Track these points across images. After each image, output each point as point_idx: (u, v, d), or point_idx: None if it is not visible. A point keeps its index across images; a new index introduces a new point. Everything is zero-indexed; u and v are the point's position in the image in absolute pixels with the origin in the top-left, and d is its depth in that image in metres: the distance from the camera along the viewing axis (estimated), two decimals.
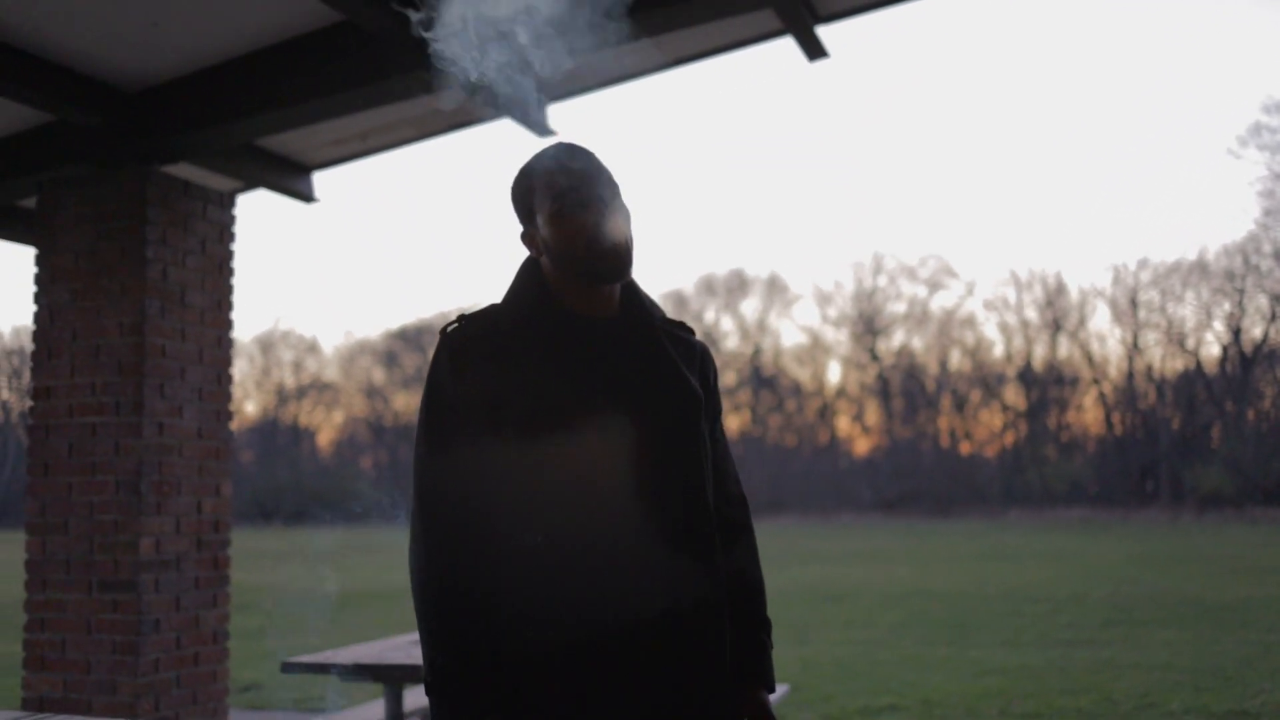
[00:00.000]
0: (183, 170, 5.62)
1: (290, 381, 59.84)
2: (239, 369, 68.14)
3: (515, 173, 2.15)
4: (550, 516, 1.92)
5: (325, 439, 60.84)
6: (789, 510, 50.25)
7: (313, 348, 62.43)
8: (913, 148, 71.58)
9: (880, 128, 72.46)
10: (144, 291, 5.13)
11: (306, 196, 6.37)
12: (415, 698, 4.53)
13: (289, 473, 55.35)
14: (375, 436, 58.65)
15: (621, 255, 2.03)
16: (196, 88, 5.15)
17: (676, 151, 76.11)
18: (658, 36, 5.04)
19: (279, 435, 58.99)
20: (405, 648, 4.40)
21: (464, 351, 1.98)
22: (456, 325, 2.03)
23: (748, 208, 73.57)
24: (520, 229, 2.13)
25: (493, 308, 2.08)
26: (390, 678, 4.06)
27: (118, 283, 5.17)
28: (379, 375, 59.21)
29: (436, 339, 2.04)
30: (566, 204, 2.02)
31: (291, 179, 6.26)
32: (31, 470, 5.26)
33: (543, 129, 5.96)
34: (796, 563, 24.01)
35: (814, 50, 5.55)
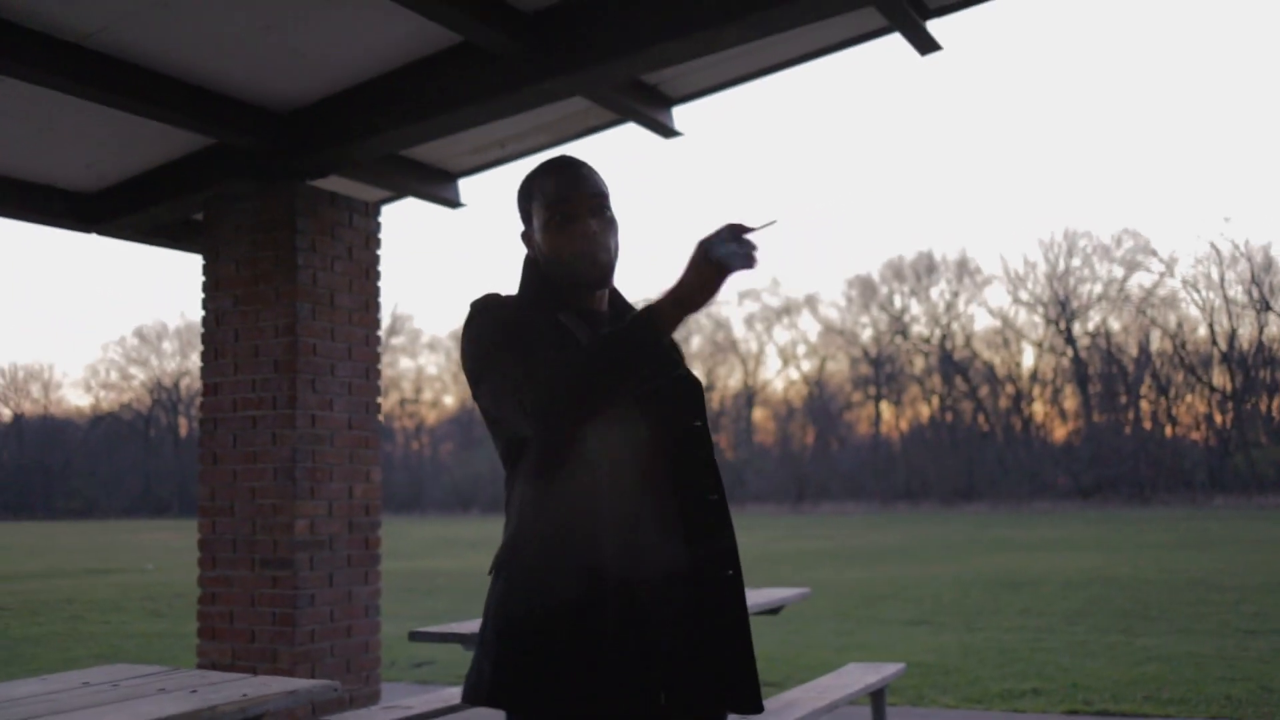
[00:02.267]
0: (332, 183, 6.10)
1: None
2: (434, 363, 70.46)
3: (520, 184, 2.38)
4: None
5: None
6: (981, 498, 49.40)
7: None
8: (1103, 119, 69.09)
9: (1068, 101, 70.17)
10: (296, 295, 5.63)
11: (452, 202, 6.79)
12: None
13: (487, 463, 57.12)
14: None
15: (601, 267, 2.25)
16: (339, 107, 5.60)
17: (856, 136, 75.29)
18: (768, 38, 5.22)
19: (475, 426, 60.87)
20: None
21: (504, 307, 2.22)
22: (487, 297, 2.27)
23: (935, 190, 72.27)
24: (522, 229, 2.37)
25: (509, 297, 2.30)
26: None
27: (273, 288, 5.69)
28: None
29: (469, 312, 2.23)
30: (555, 216, 2.25)
31: (438, 186, 6.68)
32: (202, 459, 5.84)
33: (669, 131, 6.23)
34: (982, 551, 23.73)
35: (925, 44, 5.64)
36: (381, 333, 6.22)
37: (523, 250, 2.39)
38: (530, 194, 2.33)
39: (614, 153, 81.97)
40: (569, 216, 2.25)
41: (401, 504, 54.85)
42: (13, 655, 10.93)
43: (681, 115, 6.21)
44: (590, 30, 4.93)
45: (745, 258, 1.95)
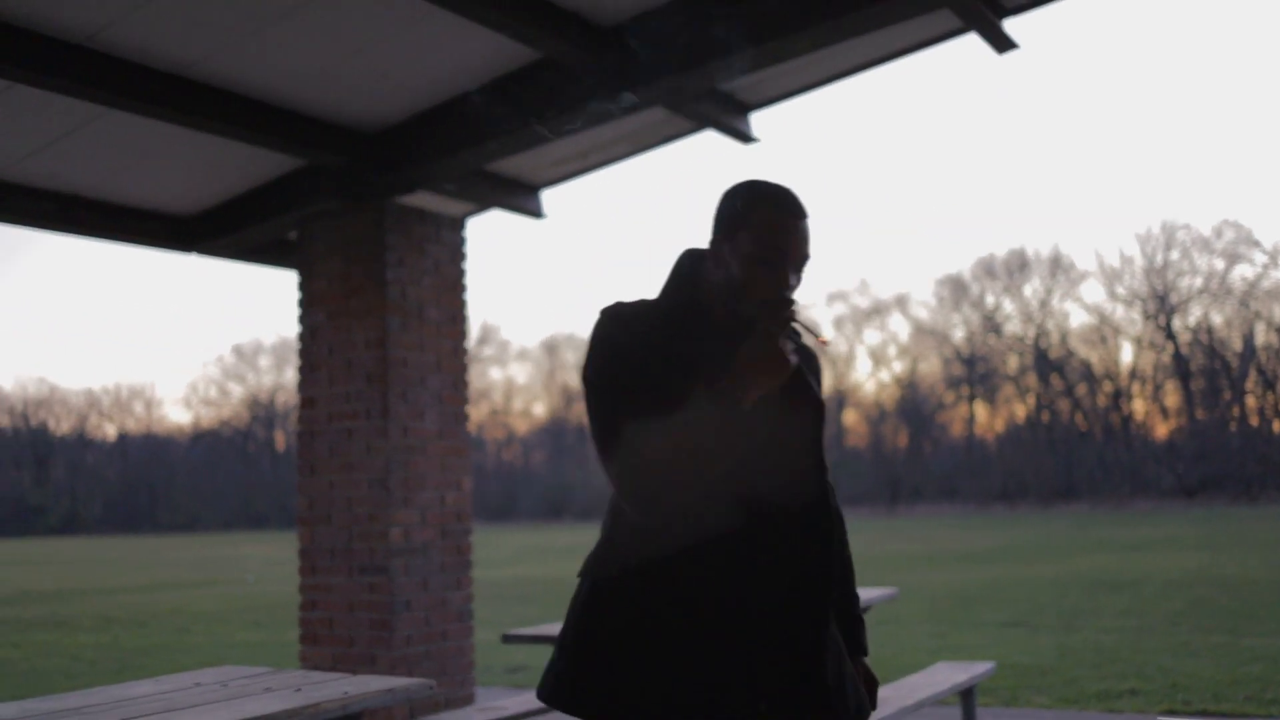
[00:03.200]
0: (420, 199, 6.26)
1: (575, 383, 62.10)
2: (525, 373, 71.07)
3: (735, 185, 2.26)
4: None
5: None
6: (1080, 498, 48.59)
7: None
8: (1198, 109, 67.59)
9: (1160, 92, 68.77)
10: (385, 310, 5.80)
11: (535, 213, 6.92)
12: None
13: (577, 471, 57.52)
14: None
15: (777, 315, 2.12)
16: (424, 126, 5.76)
17: (942, 136, 74.53)
18: (843, 43, 5.27)
19: (566, 435, 61.34)
20: None
21: (630, 324, 2.16)
22: (617, 305, 2.20)
23: (1026, 187, 71.25)
24: (713, 235, 2.25)
25: (643, 305, 2.23)
26: None
27: (364, 303, 5.86)
28: None
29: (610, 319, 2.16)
30: (765, 254, 2.16)
31: (521, 198, 6.81)
32: (300, 470, 6.02)
33: (746, 137, 6.30)
34: (1081, 552, 23.37)
35: (1001, 43, 5.64)
36: (470, 344, 6.37)
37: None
38: (746, 214, 2.20)
39: (694, 158, 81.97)
40: (775, 264, 2.17)
41: (494, 513, 55.44)
42: (124, 665, 11.29)
43: (760, 121, 6.28)
44: (667, 41, 5.02)
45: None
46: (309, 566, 5.95)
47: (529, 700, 5.41)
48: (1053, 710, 7.25)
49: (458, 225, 6.36)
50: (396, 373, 5.81)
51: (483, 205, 6.85)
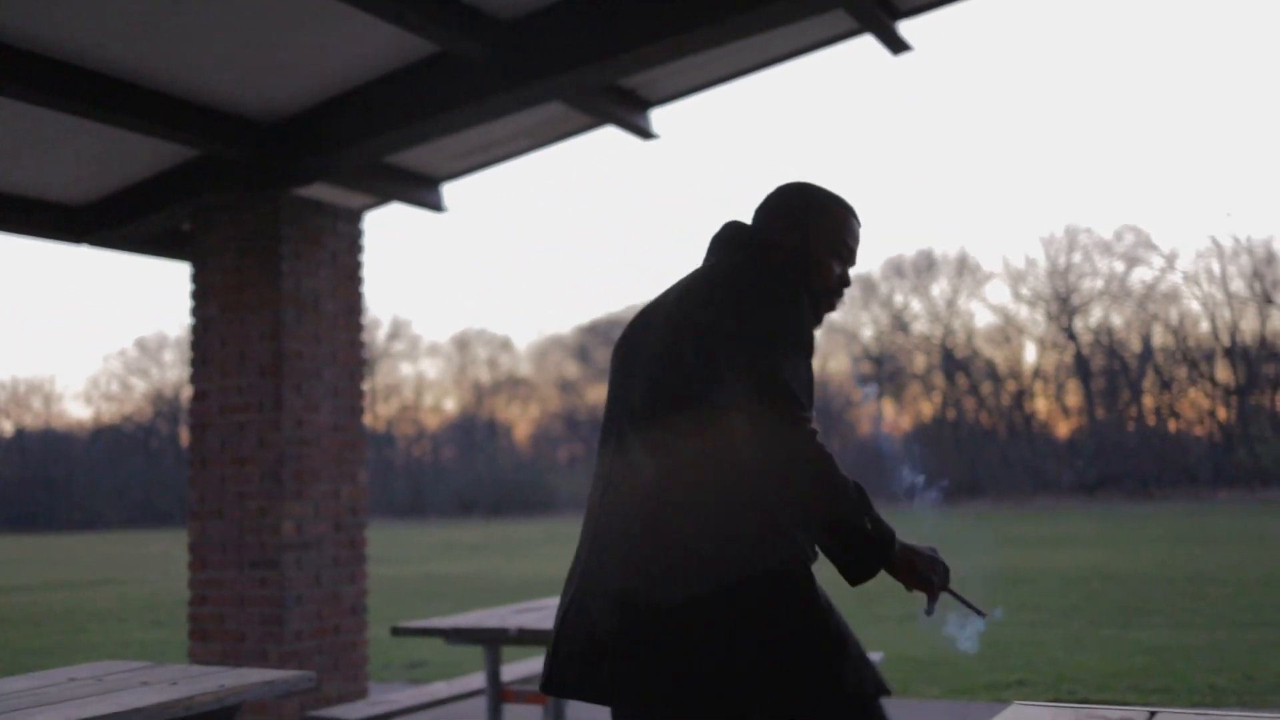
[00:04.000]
0: (317, 191, 6.21)
1: (486, 378, 61.87)
2: (435, 368, 70.73)
3: (803, 188, 2.50)
4: None
5: (521, 433, 62.70)
6: (985, 494, 49.43)
7: (506, 345, 64.54)
8: (1101, 116, 69.19)
9: (1064, 98, 70.31)
10: (280, 301, 5.74)
11: (436, 206, 6.90)
12: (510, 656, 4.97)
13: (487, 467, 57.27)
14: (570, 430, 60.10)
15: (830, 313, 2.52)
16: (322, 117, 5.72)
17: (849, 136, 75.44)
18: (741, 41, 5.32)
19: (477, 431, 61.03)
20: (503, 616, 4.86)
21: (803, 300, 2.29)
22: (790, 270, 2.36)
23: (934, 189, 72.42)
24: (795, 232, 2.43)
25: (789, 270, 2.37)
26: (487, 640, 4.51)
27: (258, 295, 5.80)
28: (571, 369, 60.70)
29: (790, 278, 2.27)
30: (846, 258, 2.48)
31: (421, 191, 6.79)
32: (192, 464, 5.95)
33: (646, 133, 6.34)
34: (982, 548, 23.79)
35: (896, 45, 5.75)
36: (381, 339, 6.34)
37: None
38: (836, 220, 2.47)
39: (593, 156, 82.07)
40: (847, 267, 2.49)
41: (403, 510, 55.01)
42: (14, 665, 11.03)
43: (660, 118, 6.32)
44: (566, 36, 5.04)
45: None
46: (199, 561, 5.88)
47: (421, 693, 5.41)
48: (942, 701, 7.40)
49: (355, 218, 6.32)
50: (291, 365, 5.76)
51: (382, 198, 6.81)
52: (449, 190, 7.03)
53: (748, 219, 2.54)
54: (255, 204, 5.90)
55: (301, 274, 5.87)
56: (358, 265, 6.24)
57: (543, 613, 4.90)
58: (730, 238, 2.43)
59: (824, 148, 75.55)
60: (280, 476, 5.63)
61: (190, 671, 3.35)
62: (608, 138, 6.44)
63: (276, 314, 5.74)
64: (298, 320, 5.82)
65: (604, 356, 59.60)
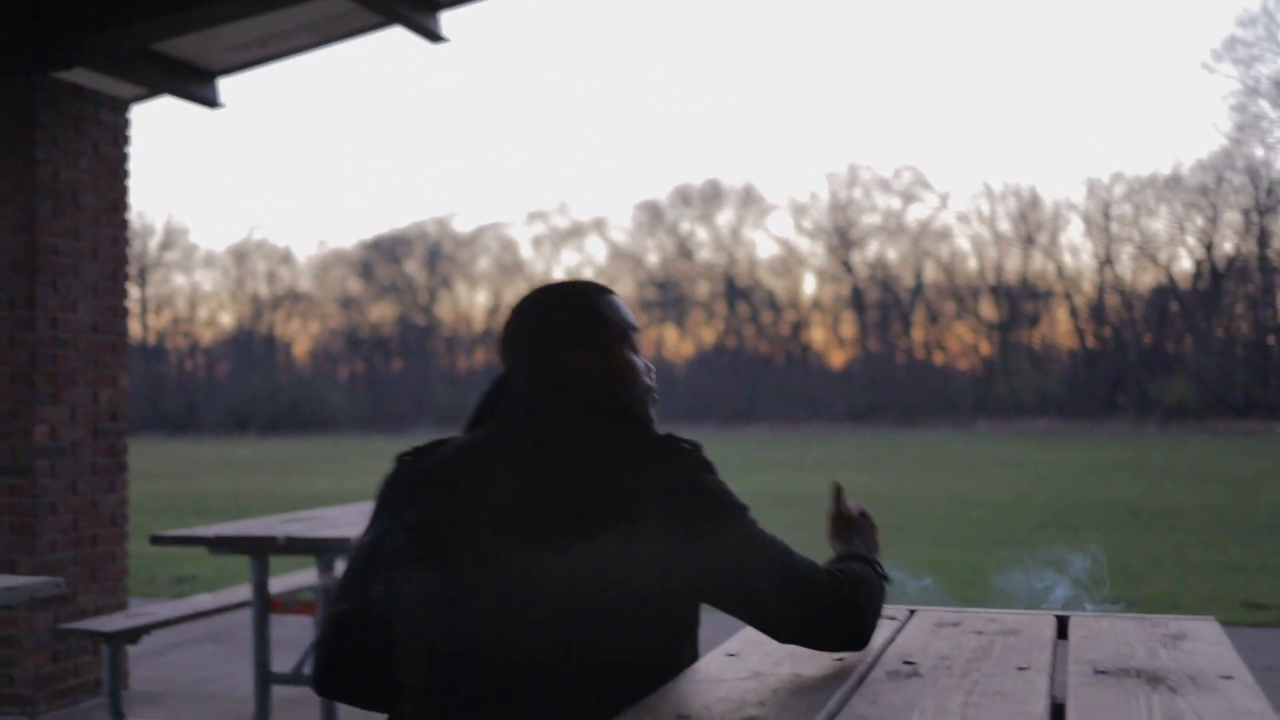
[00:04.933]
0: (79, 76, 5.79)
1: (265, 292, 59.89)
2: (211, 280, 68.16)
3: (588, 290, 2.15)
4: None
5: (301, 350, 61.10)
6: (761, 420, 50.83)
7: (286, 258, 62.49)
8: (885, 58, 71.12)
9: (854, 36, 71.96)
10: (35, 191, 5.35)
11: (210, 102, 6.54)
12: (278, 567, 4.84)
13: (264, 384, 55.66)
14: (351, 347, 58.93)
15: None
16: None
17: (646, 58, 75.55)
18: None
19: (255, 347, 59.18)
20: (270, 525, 4.72)
21: None
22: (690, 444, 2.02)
23: (723, 118, 73.21)
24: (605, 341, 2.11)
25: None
26: (253, 549, 4.36)
27: (10, 184, 5.39)
28: (354, 286, 59.34)
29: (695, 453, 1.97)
30: (639, 353, 2.18)
31: (195, 85, 6.42)
32: None
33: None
34: (757, 470, 24.45)
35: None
36: (154, 247, 6.00)
37: None
38: (626, 318, 2.16)
39: (383, 60, 79.88)
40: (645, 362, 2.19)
41: (175, 425, 53.07)
42: None
43: (451, 20, 6.12)
44: None
45: None
46: None
47: (183, 606, 5.22)
48: None
49: (122, 107, 5.93)
50: (46, 260, 5.39)
51: (152, 89, 6.41)
52: (227, 86, 6.68)
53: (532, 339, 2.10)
54: (7, 87, 5.47)
55: (59, 164, 5.48)
56: (123, 158, 5.87)
57: (312, 522, 4.77)
58: (570, 409, 2.00)
59: (618, 68, 75.44)
60: (33, 378, 5.29)
61: None
62: (398, 40, 6.24)
63: (30, 205, 5.35)
64: (54, 213, 5.44)
65: (388, 273, 58.55)
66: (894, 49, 70.76)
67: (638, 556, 1.80)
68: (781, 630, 1.94)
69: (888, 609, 2.47)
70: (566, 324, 2.08)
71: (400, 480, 2.00)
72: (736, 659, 2.01)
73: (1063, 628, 2.28)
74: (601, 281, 2.18)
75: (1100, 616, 2.35)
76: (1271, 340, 49.85)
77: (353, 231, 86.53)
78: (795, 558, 1.94)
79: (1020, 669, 1.90)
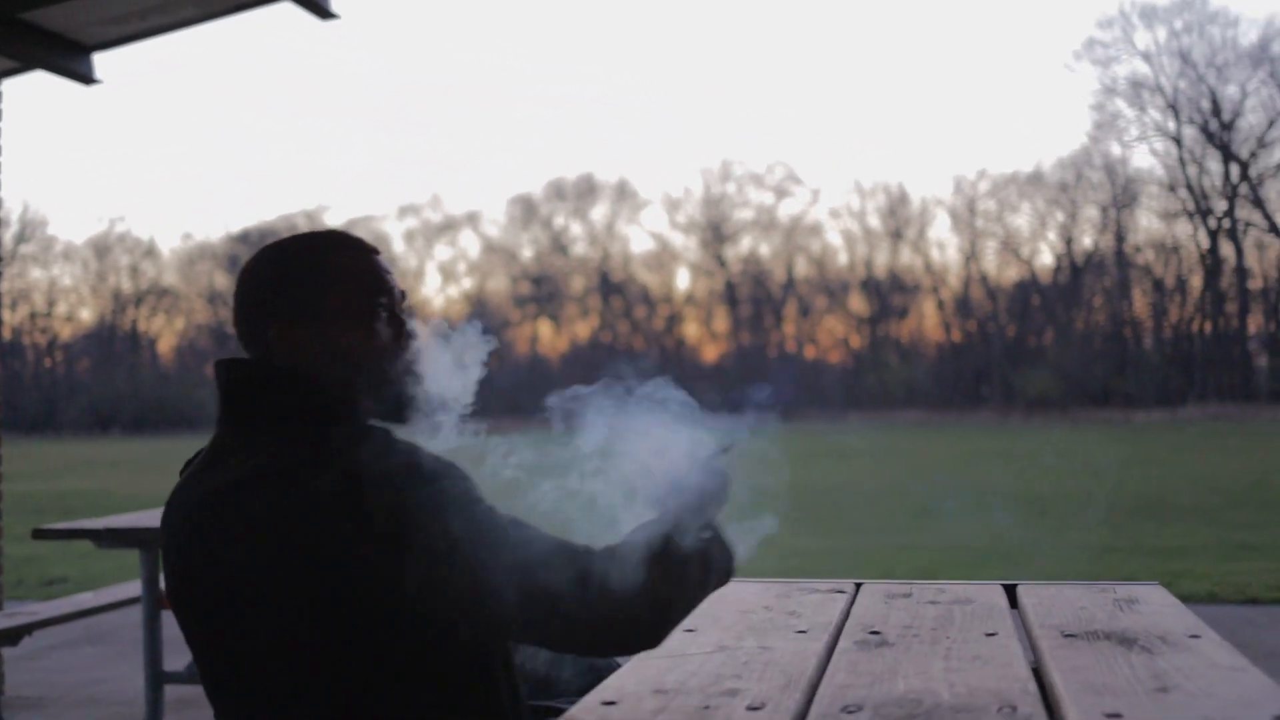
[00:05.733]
0: None
1: (127, 287, 58.01)
2: (70, 274, 65.83)
3: (261, 260, 1.76)
4: None
5: (166, 346, 59.41)
6: None
7: (150, 251, 60.47)
8: (758, 55, 71.89)
9: (728, 33, 72.57)
10: None
11: (85, 78, 6.25)
12: None
13: (128, 382, 54.00)
14: (219, 344, 57.43)
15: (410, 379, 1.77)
16: None
17: (522, 50, 75.21)
18: None
19: (117, 342, 57.36)
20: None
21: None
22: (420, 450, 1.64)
23: (598, 112, 73.24)
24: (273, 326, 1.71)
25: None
26: (145, 541, 4.16)
27: None
28: (222, 280, 57.86)
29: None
30: (370, 307, 1.72)
31: (69, 59, 6.14)
32: None
33: (325, 11, 5.97)
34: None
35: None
36: (8, 239, 5.68)
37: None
38: (321, 273, 1.71)
39: (268, 38, 78.15)
40: (393, 312, 1.73)
41: (33, 424, 51.16)
42: None
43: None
44: None
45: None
46: None
47: (65, 604, 4.98)
48: None
49: None
50: None
51: (23, 63, 6.10)
52: (104, 61, 6.40)
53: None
54: None
55: None
56: None
57: None
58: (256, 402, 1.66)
59: (490, 56, 74.88)
60: None
61: None
62: (285, 16, 6.06)
63: None
64: None
65: None
66: (767, 46, 71.54)
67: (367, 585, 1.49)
68: (548, 641, 1.62)
69: (833, 583, 2.44)
70: (271, 291, 1.70)
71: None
72: (695, 634, 1.95)
73: (1012, 596, 2.26)
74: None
75: (1047, 584, 2.33)
76: (1128, 332, 51.67)
77: (219, 224, 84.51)
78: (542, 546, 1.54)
79: (989, 634, 1.87)
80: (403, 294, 1.75)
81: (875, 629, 1.94)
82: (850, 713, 1.41)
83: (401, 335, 1.71)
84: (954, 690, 1.50)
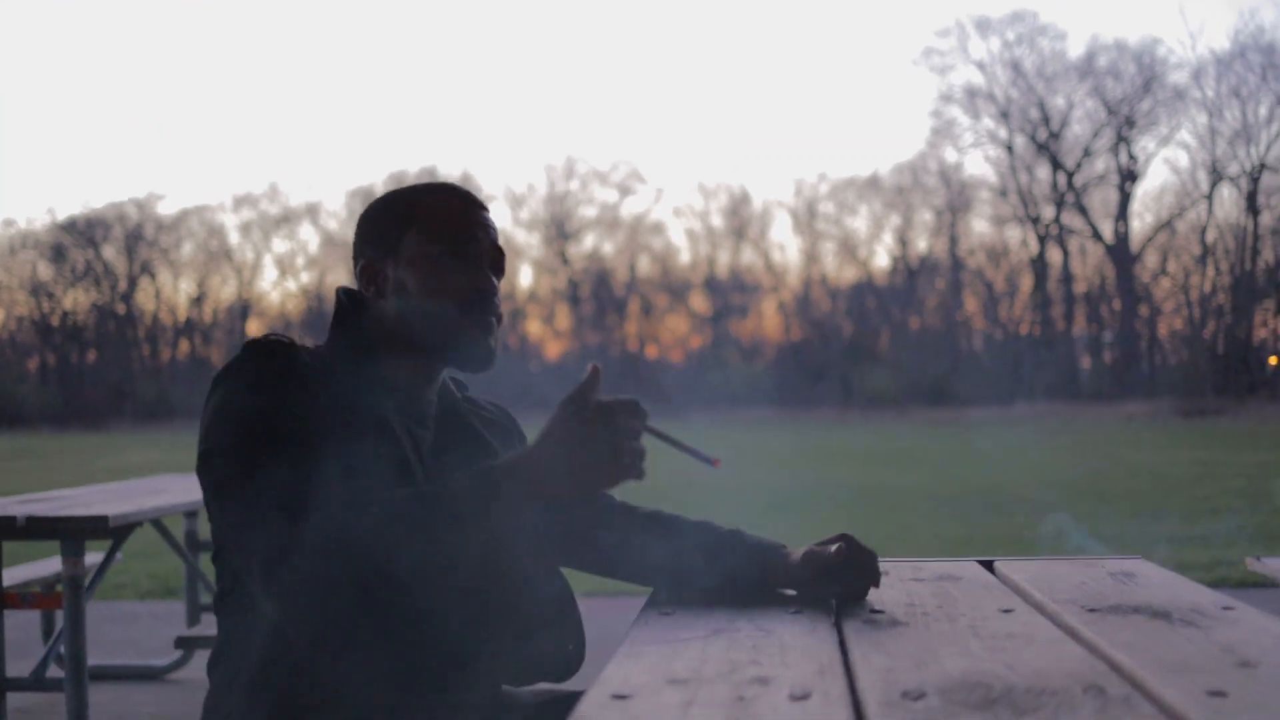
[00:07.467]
0: None
1: None
2: None
3: (381, 197, 1.86)
4: None
5: None
6: None
7: None
8: (603, 53, 72.03)
9: (572, 31, 72.52)
10: None
11: None
12: (12, 556, 4.22)
13: None
14: (42, 337, 54.89)
15: (494, 332, 1.93)
16: None
17: (363, 39, 73.93)
18: None
19: None
20: (5, 505, 4.09)
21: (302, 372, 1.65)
22: (269, 341, 1.66)
23: (440, 105, 72.42)
24: (363, 261, 1.83)
25: (309, 352, 1.73)
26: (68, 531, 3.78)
27: None
28: (45, 271, 55.20)
29: (243, 351, 1.63)
30: (451, 245, 1.81)
31: None
32: None
33: None
34: None
35: None
36: None
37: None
38: (404, 214, 1.77)
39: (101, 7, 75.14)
40: (466, 252, 1.77)
41: None
42: None
43: None
44: None
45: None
46: None
47: None
48: None
49: None
50: None
51: None
52: None
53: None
54: None
55: None
56: None
57: (56, 502, 4.17)
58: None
59: (330, 44, 73.31)
60: None
61: None
62: None
63: None
64: None
65: (83, 258, 54.68)
66: (612, 45, 71.74)
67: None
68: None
69: None
70: (363, 229, 1.84)
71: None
72: (670, 617, 1.74)
73: (991, 573, 2.11)
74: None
75: (1026, 560, 2.18)
76: (960, 333, 53.25)
77: (42, 211, 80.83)
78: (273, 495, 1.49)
79: (1005, 611, 1.69)
80: (497, 249, 1.83)
81: (876, 608, 1.75)
82: (914, 699, 1.20)
83: (475, 285, 1.77)
84: (1017, 671, 1.31)
